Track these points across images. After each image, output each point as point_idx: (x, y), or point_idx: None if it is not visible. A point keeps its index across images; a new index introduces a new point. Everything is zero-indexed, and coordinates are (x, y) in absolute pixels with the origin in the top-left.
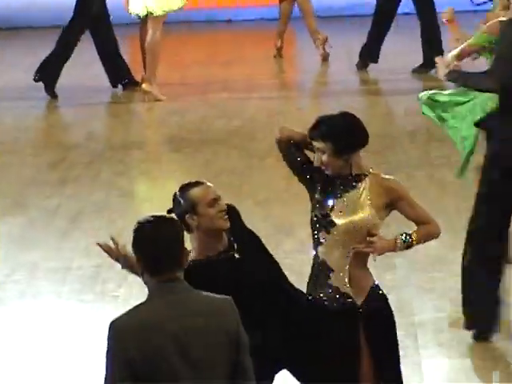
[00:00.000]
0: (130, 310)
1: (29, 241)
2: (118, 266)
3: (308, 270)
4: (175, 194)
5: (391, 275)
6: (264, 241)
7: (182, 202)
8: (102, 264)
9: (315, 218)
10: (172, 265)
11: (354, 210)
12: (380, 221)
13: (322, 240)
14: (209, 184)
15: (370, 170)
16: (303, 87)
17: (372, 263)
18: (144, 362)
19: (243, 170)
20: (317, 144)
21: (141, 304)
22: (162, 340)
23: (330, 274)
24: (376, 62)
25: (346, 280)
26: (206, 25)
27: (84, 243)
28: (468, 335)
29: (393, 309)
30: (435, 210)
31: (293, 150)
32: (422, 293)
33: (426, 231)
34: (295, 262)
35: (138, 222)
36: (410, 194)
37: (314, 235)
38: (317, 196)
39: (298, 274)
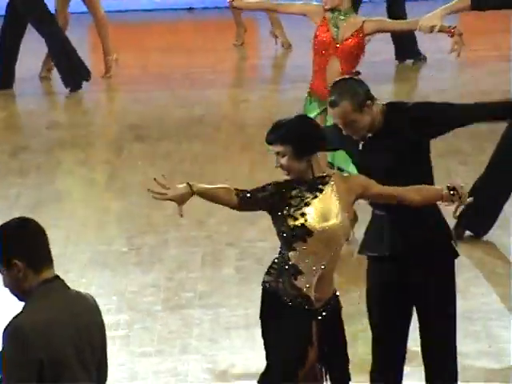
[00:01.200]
0: (29, 311)
1: None
2: (80, 255)
3: (270, 258)
4: None
5: (354, 262)
6: (227, 229)
7: None
8: (63, 254)
9: (290, 231)
10: (51, 260)
11: (327, 216)
12: (349, 219)
13: (296, 247)
14: None
15: (333, 171)
16: (266, 75)
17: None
18: (49, 364)
19: (206, 158)
20: (276, 148)
21: (35, 303)
22: (64, 341)
23: (298, 276)
24: None
25: (313, 284)
26: (168, 13)
27: None
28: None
29: (357, 295)
30: None
31: (249, 202)
32: None
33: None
34: (258, 251)
35: (5, 227)
36: None
37: (286, 243)
38: (284, 211)
39: (259, 261)
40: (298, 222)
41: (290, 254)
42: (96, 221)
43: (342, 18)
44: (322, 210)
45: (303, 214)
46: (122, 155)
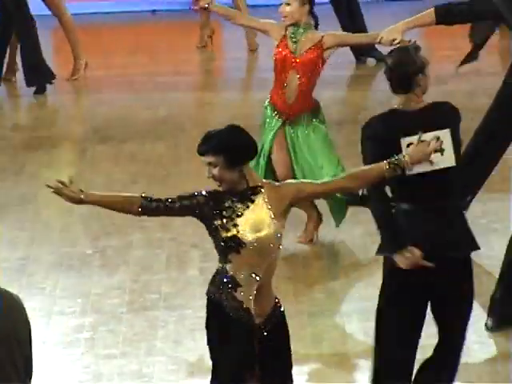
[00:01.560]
0: None
1: None
2: (44, 257)
3: None
4: None
5: (318, 264)
6: (191, 231)
7: None
8: (27, 256)
9: (223, 243)
10: None
11: (260, 227)
12: (284, 228)
13: (231, 259)
14: None
15: (264, 180)
16: (231, 77)
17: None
18: None
19: (170, 160)
20: (207, 159)
21: None
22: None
23: (238, 289)
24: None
25: (251, 297)
26: (131, 15)
27: (9, 236)
28: None
29: (321, 296)
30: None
31: (161, 209)
32: (348, 282)
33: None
34: None
35: None
36: None
37: (221, 255)
38: (216, 222)
39: None
40: (230, 234)
41: (227, 266)
42: (60, 223)
43: (302, 31)
44: (253, 221)
45: (235, 225)
46: (86, 157)
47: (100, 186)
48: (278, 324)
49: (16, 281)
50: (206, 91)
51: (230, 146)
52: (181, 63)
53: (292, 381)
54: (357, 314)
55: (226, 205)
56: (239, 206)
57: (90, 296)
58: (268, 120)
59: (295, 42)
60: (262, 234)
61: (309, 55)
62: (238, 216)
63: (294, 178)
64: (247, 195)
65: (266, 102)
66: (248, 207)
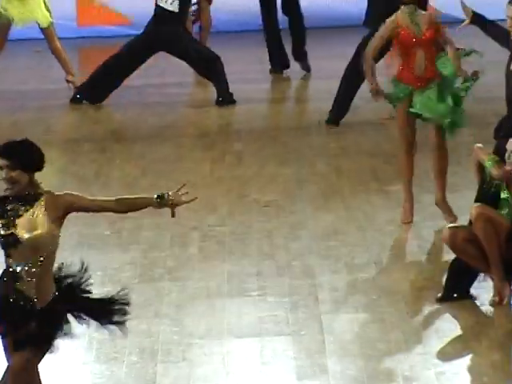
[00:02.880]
0: None
1: None
2: (71, 238)
3: (228, 240)
4: None
5: (297, 244)
6: (191, 216)
7: None
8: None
9: (2, 239)
10: None
11: (35, 227)
12: (59, 230)
13: (11, 254)
14: None
15: (45, 189)
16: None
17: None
18: None
19: (174, 158)
20: (4, 162)
21: None
22: None
23: (19, 281)
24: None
25: (33, 286)
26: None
27: None
28: (359, 293)
29: (298, 272)
30: (333, 191)
31: None
32: (321, 259)
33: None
34: (217, 234)
35: None
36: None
37: (3, 250)
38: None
39: (219, 243)
40: (9, 232)
41: (9, 260)
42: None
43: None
44: (30, 221)
45: (15, 225)
46: (105, 154)
47: (116, 179)
48: (55, 310)
49: None
50: (204, 101)
51: (24, 150)
52: (184, 79)
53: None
54: (328, 285)
55: (10, 207)
56: (21, 208)
57: (108, 270)
58: (396, 90)
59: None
60: (36, 233)
61: (429, 33)
62: (18, 217)
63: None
64: (29, 200)
65: (391, 81)
66: (28, 210)
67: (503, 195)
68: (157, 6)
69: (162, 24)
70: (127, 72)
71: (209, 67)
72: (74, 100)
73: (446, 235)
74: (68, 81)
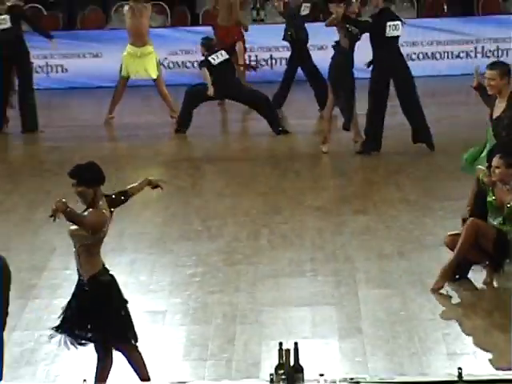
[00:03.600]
0: None
1: None
2: (174, 233)
3: (289, 235)
4: None
5: (340, 238)
6: (262, 217)
7: None
8: (163, 231)
9: None
10: None
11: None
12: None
13: None
14: None
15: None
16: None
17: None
18: None
19: (250, 174)
20: (73, 181)
21: None
22: None
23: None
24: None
25: (78, 265)
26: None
27: (150, 217)
28: (386, 274)
29: (341, 259)
30: (367, 199)
31: None
32: (358, 249)
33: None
34: (282, 230)
35: None
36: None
37: None
38: None
39: (283, 237)
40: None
41: None
42: (181, 212)
43: None
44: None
45: None
46: (199, 171)
47: (207, 189)
48: (88, 291)
49: (155, 247)
50: (269, 131)
51: (89, 174)
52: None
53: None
54: None
55: None
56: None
57: (200, 255)
58: None
59: None
60: (71, 228)
61: None
62: None
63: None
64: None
65: None
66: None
67: (489, 198)
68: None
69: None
70: None
71: (263, 106)
72: (176, 131)
73: (447, 240)
74: (172, 116)
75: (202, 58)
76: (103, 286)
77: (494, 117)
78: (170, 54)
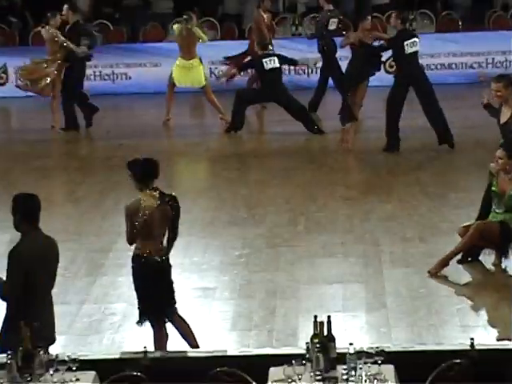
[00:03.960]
0: (21, 243)
1: None
2: (223, 218)
3: (323, 222)
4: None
5: (368, 224)
6: (300, 205)
7: None
8: (217, 216)
9: None
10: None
11: None
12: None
13: None
14: None
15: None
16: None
17: None
18: (29, 272)
19: (291, 168)
20: (129, 173)
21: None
22: (37, 261)
23: None
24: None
25: None
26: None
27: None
28: (407, 256)
29: (368, 242)
30: (391, 190)
31: None
32: (383, 234)
33: None
34: (316, 217)
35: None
36: None
37: None
38: None
39: (318, 224)
40: None
41: None
42: (230, 201)
43: None
44: None
45: None
46: (245, 165)
47: (252, 180)
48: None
49: (207, 231)
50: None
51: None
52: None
53: None
54: None
55: None
56: None
57: (246, 239)
58: None
59: None
60: None
61: None
62: None
63: None
64: None
65: None
66: None
67: (493, 188)
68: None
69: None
70: None
71: (300, 113)
72: (226, 131)
73: (460, 231)
74: (221, 118)
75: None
76: (140, 265)
77: (501, 122)
78: (219, 64)
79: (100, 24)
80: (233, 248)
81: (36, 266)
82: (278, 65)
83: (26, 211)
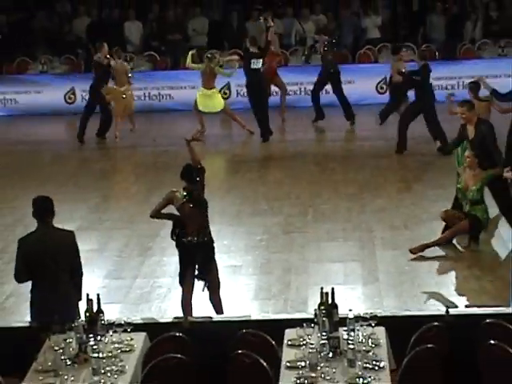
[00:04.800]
0: (28, 234)
1: None
2: (247, 210)
3: (328, 213)
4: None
5: (363, 216)
6: (308, 199)
7: None
8: (242, 210)
9: None
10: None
11: None
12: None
13: None
14: None
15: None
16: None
17: None
18: (30, 261)
19: (306, 170)
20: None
21: (32, 232)
22: (39, 249)
23: None
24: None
25: None
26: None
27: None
28: (405, 240)
29: (364, 229)
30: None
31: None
32: (376, 222)
33: None
34: (323, 209)
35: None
36: None
37: None
38: None
39: (324, 215)
40: None
41: None
42: (252, 196)
43: None
44: None
45: None
46: (264, 166)
47: (271, 181)
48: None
49: (235, 220)
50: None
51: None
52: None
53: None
54: None
55: None
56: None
57: (266, 227)
58: None
59: None
60: None
61: None
62: None
63: None
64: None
65: None
66: None
67: (458, 185)
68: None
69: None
70: None
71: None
72: (263, 140)
73: (442, 214)
74: (247, 129)
75: None
76: (180, 245)
77: (470, 138)
78: (239, 86)
79: (149, 55)
80: (255, 234)
81: (34, 256)
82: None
83: (36, 211)
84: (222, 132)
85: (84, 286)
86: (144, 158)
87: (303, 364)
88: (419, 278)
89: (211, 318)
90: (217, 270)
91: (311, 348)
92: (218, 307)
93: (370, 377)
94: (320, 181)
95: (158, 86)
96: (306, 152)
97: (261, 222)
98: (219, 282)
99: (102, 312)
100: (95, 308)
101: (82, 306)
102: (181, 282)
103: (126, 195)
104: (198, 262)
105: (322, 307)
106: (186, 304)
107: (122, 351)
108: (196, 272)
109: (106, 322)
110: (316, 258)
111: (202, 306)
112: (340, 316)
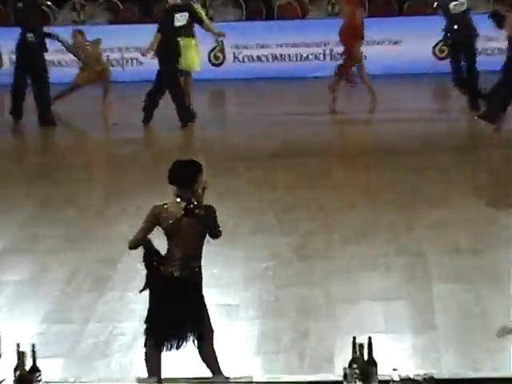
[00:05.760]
0: None
1: None
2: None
3: (361, 231)
4: None
5: (413, 234)
6: (336, 212)
7: None
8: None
9: None
10: None
11: None
12: None
13: None
14: None
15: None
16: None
17: None
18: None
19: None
20: None
21: None
22: None
23: None
24: None
25: None
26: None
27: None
28: (458, 269)
29: (413, 253)
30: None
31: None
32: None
33: None
34: (355, 226)
35: None
36: None
37: None
38: None
39: (357, 232)
40: None
41: None
42: (254, 210)
43: None
44: None
45: None
46: (272, 162)
47: (279, 180)
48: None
49: (229, 239)
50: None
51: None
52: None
53: None
54: None
55: None
56: None
57: (274, 249)
58: None
59: None
60: None
61: None
62: None
63: None
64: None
65: None
66: None
67: None
68: None
69: None
70: None
71: None
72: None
73: None
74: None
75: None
76: (153, 276)
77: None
78: (244, 48)
79: (107, 1)
80: (258, 259)
81: None
82: None
83: None
84: (211, 113)
85: (12, 333)
86: (101, 149)
87: None
88: (494, 325)
89: (198, 379)
90: (208, 318)
91: None
92: (212, 364)
93: None
94: (349, 184)
95: (121, 47)
96: (322, 145)
97: (266, 243)
98: (213, 331)
99: (39, 370)
100: (28, 365)
101: (11, 361)
102: (148, 331)
103: (74, 202)
104: (179, 307)
105: (355, 365)
106: (152, 361)
107: None
108: (175, 320)
109: None
110: (345, 295)
111: (183, 362)
112: (380, 378)
